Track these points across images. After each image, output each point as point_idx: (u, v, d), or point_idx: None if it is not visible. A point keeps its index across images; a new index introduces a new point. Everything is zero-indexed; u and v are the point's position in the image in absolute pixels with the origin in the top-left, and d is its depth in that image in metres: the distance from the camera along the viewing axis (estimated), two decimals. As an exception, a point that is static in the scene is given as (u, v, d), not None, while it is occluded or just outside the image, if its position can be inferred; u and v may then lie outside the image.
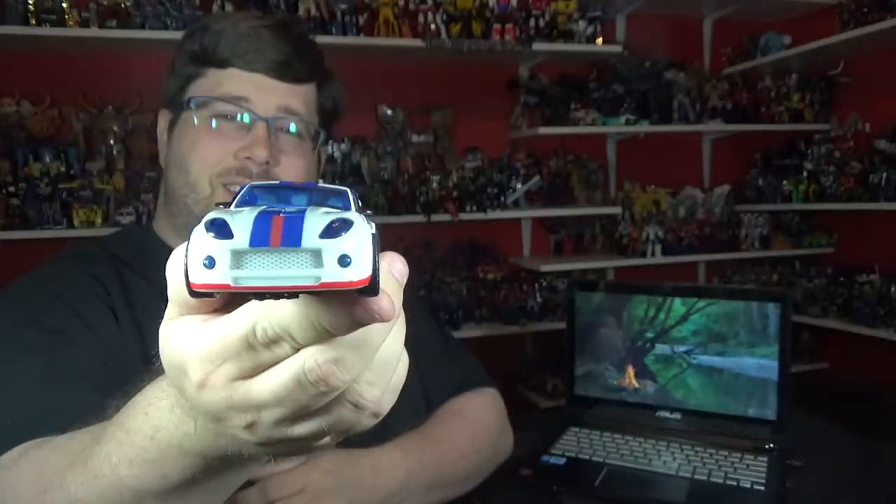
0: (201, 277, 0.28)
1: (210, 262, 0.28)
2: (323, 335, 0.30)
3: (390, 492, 0.80)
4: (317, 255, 0.27)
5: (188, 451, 0.41)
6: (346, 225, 0.28)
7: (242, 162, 0.78)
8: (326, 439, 0.37)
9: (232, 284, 0.28)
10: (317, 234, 0.27)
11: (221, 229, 0.28)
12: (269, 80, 0.80)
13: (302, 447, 0.38)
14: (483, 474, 0.99)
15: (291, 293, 0.28)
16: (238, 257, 0.27)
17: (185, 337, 0.34)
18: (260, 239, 0.27)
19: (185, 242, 0.29)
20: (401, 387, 0.37)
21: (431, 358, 1.00)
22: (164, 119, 0.88)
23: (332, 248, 0.27)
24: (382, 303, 0.29)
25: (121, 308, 0.75)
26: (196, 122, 0.80)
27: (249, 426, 0.35)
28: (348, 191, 0.33)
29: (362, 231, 0.28)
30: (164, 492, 0.44)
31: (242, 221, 0.28)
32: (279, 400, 0.33)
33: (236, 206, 0.31)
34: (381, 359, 0.34)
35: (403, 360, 0.36)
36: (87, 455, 0.47)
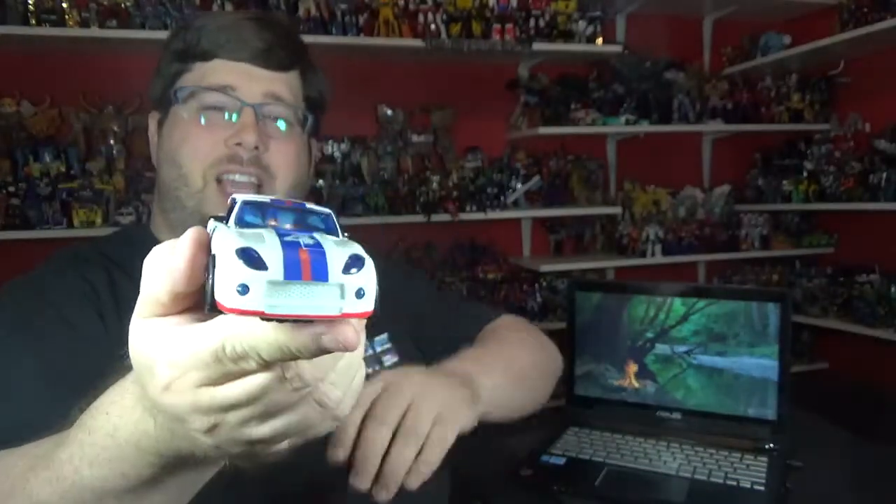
0: (234, 302, 0.30)
1: (244, 290, 0.30)
2: (288, 357, 0.32)
3: (470, 377, 0.74)
4: (341, 288, 0.31)
5: (145, 449, 0.42)
6: (359, 262, 0.32)
7: (232, 149, 0.78)
8: (285, 443, 0.39)
9: (266, 311, 0.30)
10: (340, 270, 0.31)
11: (255, 260, 0.30)
12: (254, 68, 0.80)
13: (259, 450, 0.39)
14: (550, 370, 0.94)
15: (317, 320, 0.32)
16: (273, 287, 0.30)
17: (155, 339, 0.35)
18: (293, 273, 0.30)
19: (184, 247, 0.32)
20: (358, 392, 0.39)
21: (436, 315, 0.98)
22: (153, 121, 0.87)
23: (352, 283, 0.31)
24: (349, 334, 0.32)
25: (108, 311, 0.74)
26: (184, 115, 0.80)
27: (211, 429, 0.36)
28: (332, 214, 0.35)
29: (371, 268, 0.32)
30: (123, 491, 0.45)
31: (272, 253, 0.30)
32: (251, 400, 0.34)
33: (236, 223, 0.33)
34: (344, 363, 0.37)
35: (362, 368, 0.40)
36: (49, 458, 0.47)
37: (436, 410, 0.65)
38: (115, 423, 0.42)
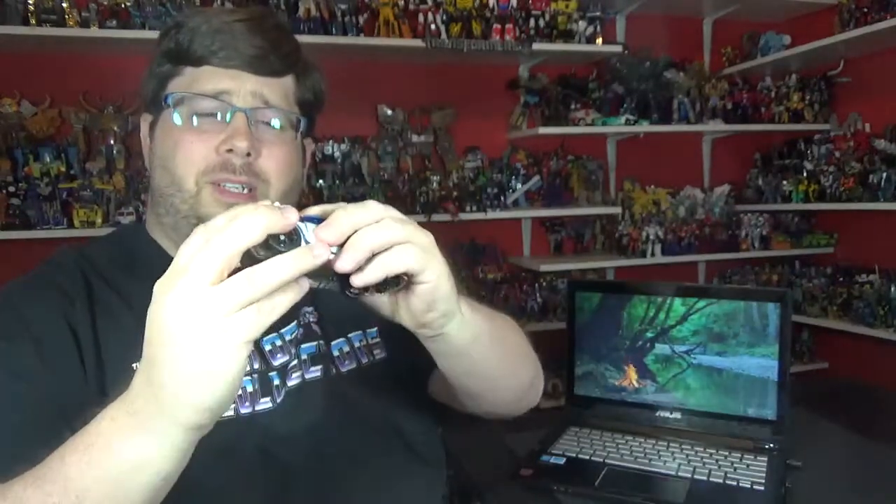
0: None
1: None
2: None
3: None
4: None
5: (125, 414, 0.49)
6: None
7: (224, 156, 0.77)
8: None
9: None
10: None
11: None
12: (245, 74, 0.80)
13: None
14: (529, 366, 0.87)
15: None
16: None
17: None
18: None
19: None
20: None
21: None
22: (145, 124, 0.86)
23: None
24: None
25: (82, 326, 0.73)
26: (176, 120, 0.79)
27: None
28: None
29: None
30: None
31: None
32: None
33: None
34: None
35: None
36: (45, 470, 0.52)
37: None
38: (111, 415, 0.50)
